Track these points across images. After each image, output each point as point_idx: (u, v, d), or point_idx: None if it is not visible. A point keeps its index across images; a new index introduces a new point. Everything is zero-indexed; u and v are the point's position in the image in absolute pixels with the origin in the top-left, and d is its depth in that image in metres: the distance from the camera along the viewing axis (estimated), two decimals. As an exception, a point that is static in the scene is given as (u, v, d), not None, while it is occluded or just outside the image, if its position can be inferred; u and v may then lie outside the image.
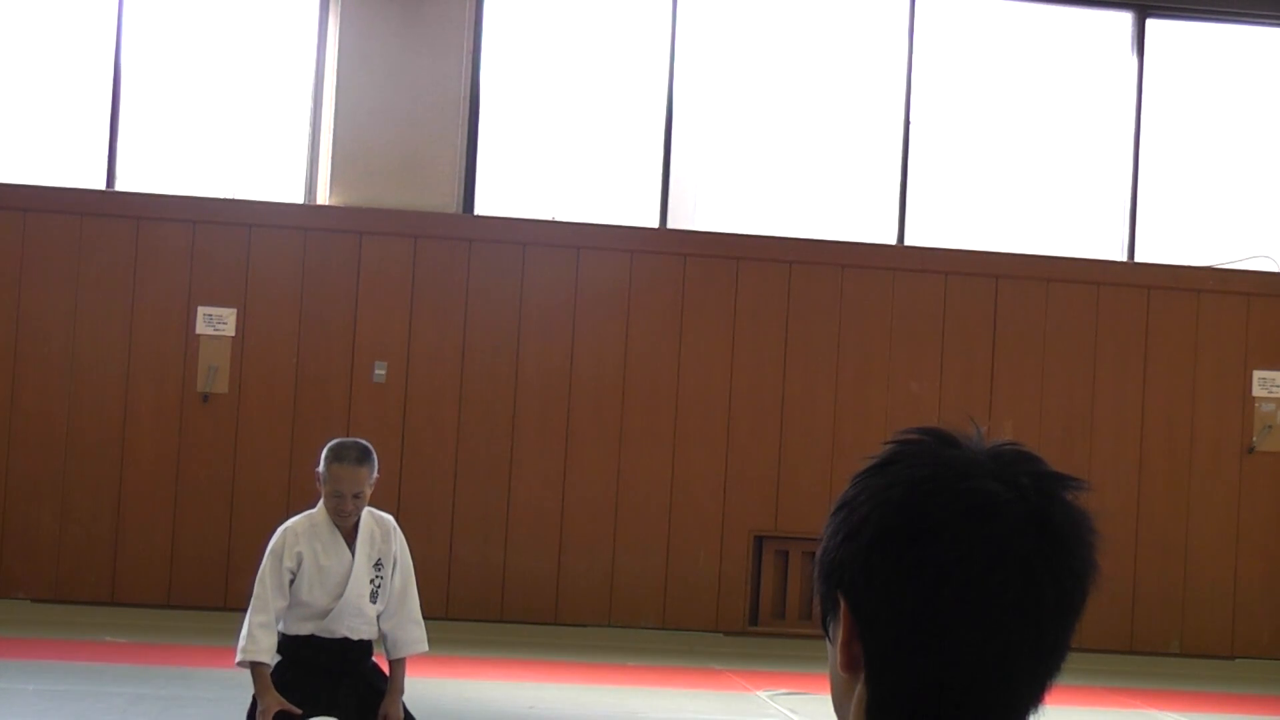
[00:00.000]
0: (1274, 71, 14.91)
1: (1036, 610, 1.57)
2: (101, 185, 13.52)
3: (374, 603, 7.06)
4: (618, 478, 13.65)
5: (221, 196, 13.56)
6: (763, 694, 11.01)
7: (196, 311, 13.30)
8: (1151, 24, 14.63)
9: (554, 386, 13.65)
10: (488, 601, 13.42)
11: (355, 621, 7.03)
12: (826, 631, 1.65)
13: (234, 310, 13.34)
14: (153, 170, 13.66)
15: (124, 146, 13.61)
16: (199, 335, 13.29)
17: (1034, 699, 1.61)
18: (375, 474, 7.00)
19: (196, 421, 13.27)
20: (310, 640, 6.96)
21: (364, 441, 7.10)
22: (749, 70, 14.44)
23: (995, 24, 14.63)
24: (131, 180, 13.59)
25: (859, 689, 1.61)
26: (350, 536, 7.04)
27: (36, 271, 13.23)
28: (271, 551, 6.92)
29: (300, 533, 6.98)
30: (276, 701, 6.71)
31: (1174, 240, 14.67)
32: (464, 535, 13.47)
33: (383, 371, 13.44)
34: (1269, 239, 14.74)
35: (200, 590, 13.17)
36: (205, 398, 13.26)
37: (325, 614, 6.97)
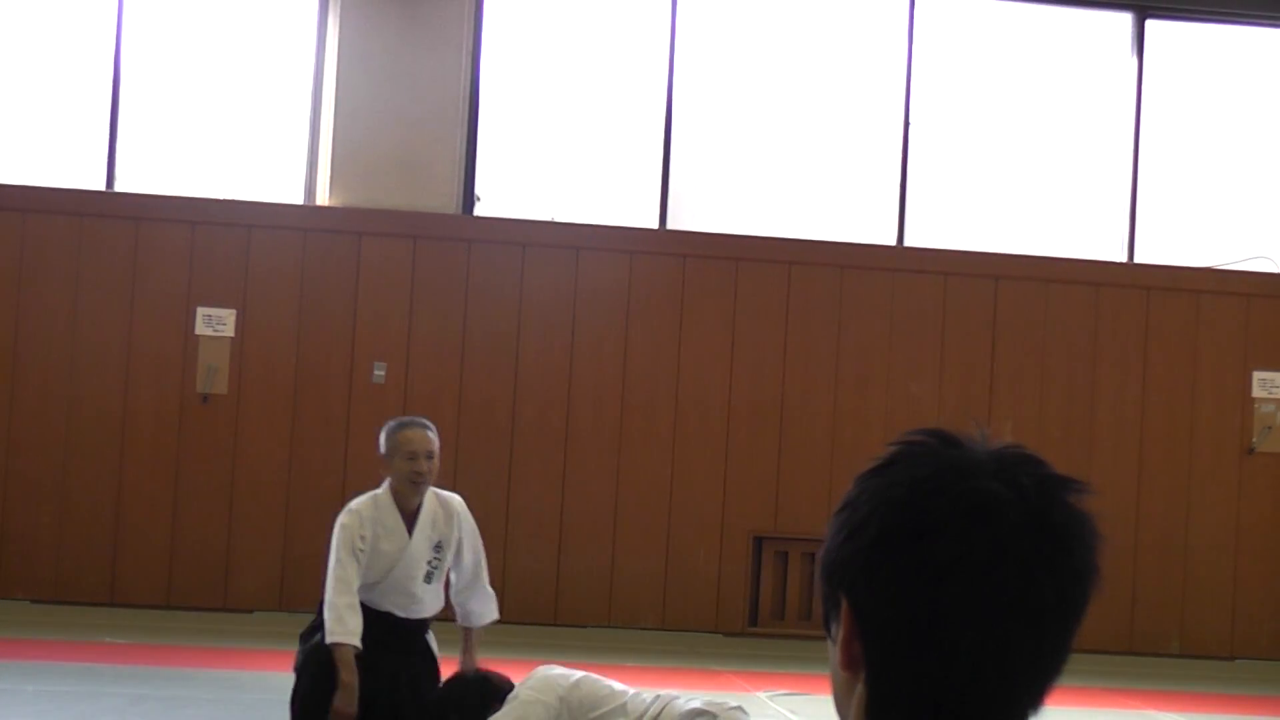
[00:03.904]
0: (1274, 71, 14.91)
1: (1037, 611, 1.57)
2: (101, 186, 13.52)
3: (428, 583, 7.15)
4: (617, 478, 13.65)
5: (221, 197, 13.56)
6: (762, 694, 11.01)
7: (196, 312, 13.29)
8: (1151, 24, 14.64)
9: (554, 387, 13.65)
10: (487, 602, 13.40)
11: (401, 599, 7.13)
12: (829, 630, 1.66)
13: (233, 311, 13.33)
14: (152, 171, 13.66)
15: (124, 147, 13.60)
16: (198, 336, 13.29)
17: (1034, 699, 1.61)
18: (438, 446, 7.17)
19: (196, 422, 13.27)
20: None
21: None
22: (748, 70, 14.43)
23: (995, 24, 14.62)
24: (131, 181, 13.59)
25: (860, 688, 1.62)
26: (411, 519, 7.12)
27: (36, 271, 13.23)
28: (345, 530, 7.01)
29: (366, 516, 7.07)
30: (355, 686, 6.81)
31: (1174, 241, 14.67)
32: (464, 535, 13.46)
33: (382, 372, 13.43)
34: (1269, 239, 14.74)
35: (200, 590, 13.18)
36: (205, 398, 13.26)
37: (371, 588, 7.08)
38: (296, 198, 13.78)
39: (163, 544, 13.20)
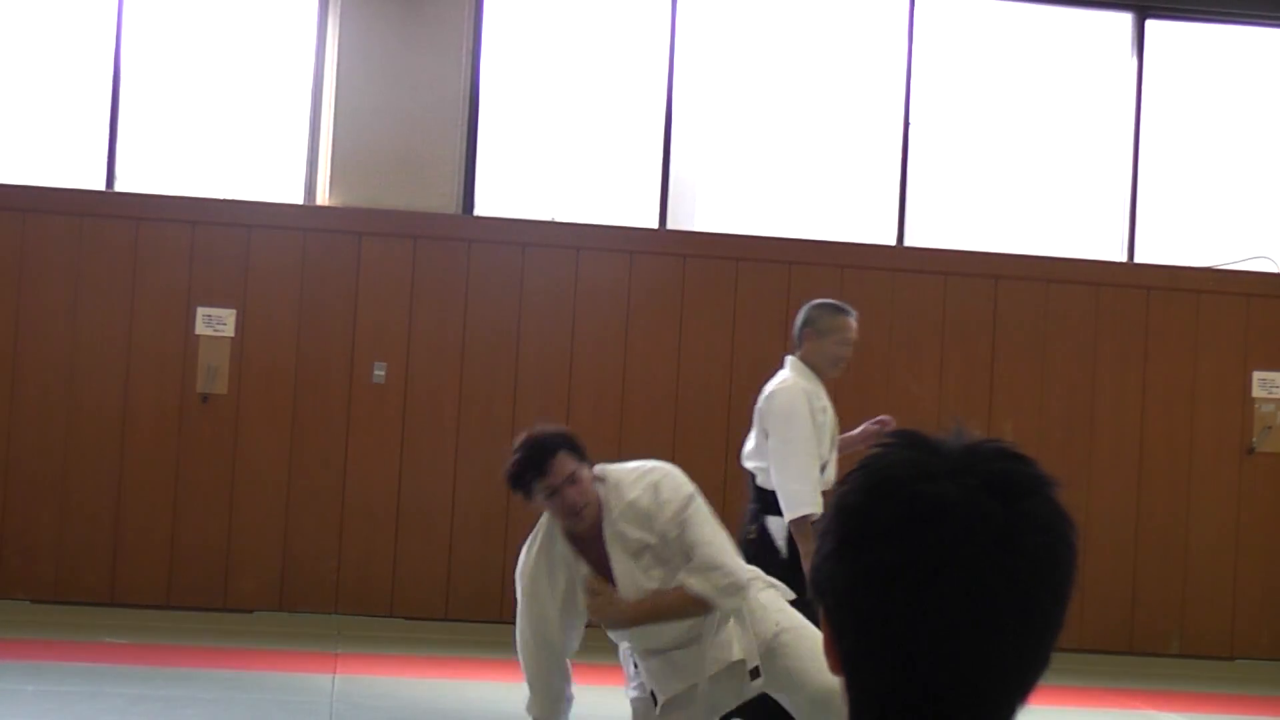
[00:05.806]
0: (1274, 71, 14.91)
1: (992, 615, 1.55)
2: (101, 185, 13.52)
3: None
4: (617, 478, 13.62)
5: (221, 197, 13.56)
6: (762, 694, 10.99)
7: (196, 312, 13.30)
8: (1151, 24, 14.63)
9: (553, 387, 13.64)
10: (488, 601, 13.41)
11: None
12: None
13: (233, 311, 13.33)
14: (152, 170, 13.67)
15: (124, 147, 13.61)
16: (198, 336, 13.30)
17: (1012, 700, 1.59)
18: None
19: (196, 422, 13.27)
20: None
21: None
22: (748, 71, 14.43)
23: (995, 24, 14.62)
24: (131, 180, 13.59)
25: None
26: None
27: (36, 271, 13.24)
28: (799, 411, 6.96)
29: (811, 390, 7.09)
30: None
31: (1174, 241, 14.66)
32: (464, 535, 13.46)
33: (382, 372, 13.44)
34: (1269, 239, 14.74)
35: (200, 590, 13.17)
36: (204, 398, 13.26)
37: (825, 466, 7.08)
38: (296, 198, 13.78)
39: (163, 544, 13.20)
